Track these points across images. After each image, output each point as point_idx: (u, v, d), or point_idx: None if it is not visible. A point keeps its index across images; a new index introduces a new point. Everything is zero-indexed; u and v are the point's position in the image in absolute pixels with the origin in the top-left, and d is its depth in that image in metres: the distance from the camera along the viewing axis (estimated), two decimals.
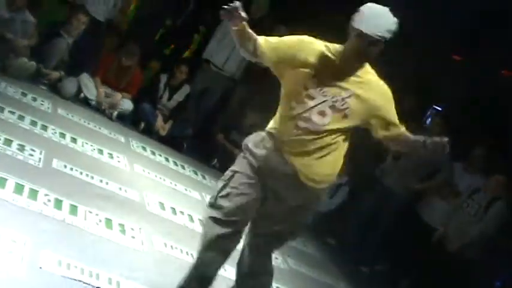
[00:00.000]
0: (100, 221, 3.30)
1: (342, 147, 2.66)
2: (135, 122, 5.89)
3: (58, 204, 3.20)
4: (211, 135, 6.28)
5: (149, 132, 5.84)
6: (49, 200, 3.19)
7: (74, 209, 3.24)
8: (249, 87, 6.50)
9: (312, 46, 2.63)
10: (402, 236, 5.49)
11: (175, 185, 4.77)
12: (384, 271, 5.72)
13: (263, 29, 6.38)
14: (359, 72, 2.58)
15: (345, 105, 2.55)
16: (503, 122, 6.23)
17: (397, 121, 2.64)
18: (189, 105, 6.23)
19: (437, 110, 6.91)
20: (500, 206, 5.02)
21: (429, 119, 6.63)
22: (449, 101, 6.77)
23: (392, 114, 2.63)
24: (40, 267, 2.51)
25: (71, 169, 3.83)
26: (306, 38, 2.67)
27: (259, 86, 6.43)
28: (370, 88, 2.59)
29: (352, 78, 2.57)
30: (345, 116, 2.56)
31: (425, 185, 5.58)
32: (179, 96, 6.09)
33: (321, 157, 2.59)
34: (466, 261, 5.09)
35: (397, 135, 2.64)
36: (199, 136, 6.36)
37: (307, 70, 2.59)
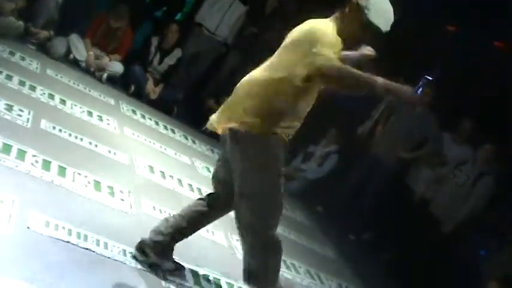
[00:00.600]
0: (89, 183, 3.29)
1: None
2: (126, 85, 5.82)
3: (46, 165, 3.18)
4: (202, 100, 6.25)
5: (139, 96, 5.79)
6: (37, 161, 3.16)
7: (62, 171, 3.22)
8: (241, 53, 6.44)
9: None
10: (390, 205, 5.55)
11: (165, 149, 4.75)
12: (370, 239, 5.80)
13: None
14: None
15: None
16: (494, 94, 6.23)
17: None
18: (180, 69, 6.16)
19: (428, 79, 6.88)
20: (488, 181, 5.07)
21: (420, 89, 6.60)
22: (441, 71, 6.75)
23: None
24: (28, 227, 2.51)
25: (60, 130, 3.80)
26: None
27: (251, 52, 6.37)
28: None
29: None
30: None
31: (414, 154, 5.61)
32: (170, 60, 6.01)
33: None
34: (452, 231, 5.17)
35: None
36: (190, 100, 6.32)
37: None
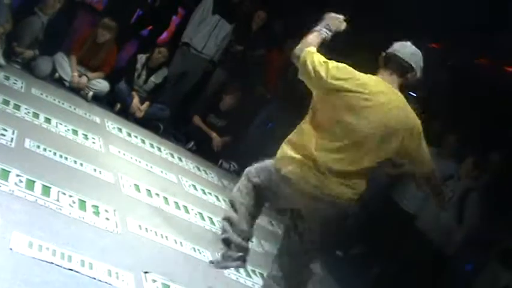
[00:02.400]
0: (74, 202, 3.25)
1: None
2: (111, 103, 5.81)
3: (30, 184, 3.15)
4: (189, 118, 6.25)
5: (125, 114, 5.77)
6: (21, 181, 3.13)
7: (46, 190, 3.19)
8: (227, 71, 6.47)
9: None
10: (378, 221, 5.56)
11: (151, 167, 4.73)
12: (358, 255, 5.79)
13: (241, 12, 6.42)
14: None
15: None
16: (478, 110, 6.32)
17: None
18: (167, 87, 6.17)
19: (413, 95, 6.98)
20: (475, 198, 5.11)
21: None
22: (425, 88, 6.84)
23: None
24: (11, 249, 2.47)
25: (44, 149, 3.77)
26: None
27: (237, 70, 6.42)
28: None
29: None
30: None
31: (400, 169, 5.63)
32: (156, 79, 6.01)
33: None
34: (439, 246, 5.18)
35: None
36: (177, 118, 6.32)
37: None
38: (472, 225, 5.12)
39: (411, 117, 2.80)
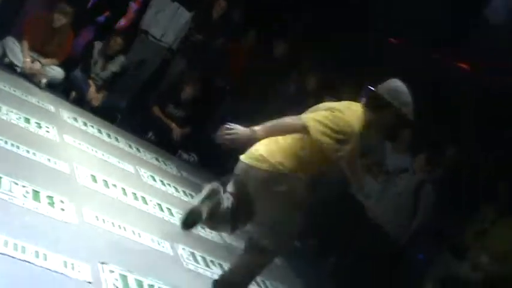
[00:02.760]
0: (27, 192, 3.14)
1: None
2: (66, 91, 5.65)
3: None
4: (147, 108, 6.15)
5: (81, 102, 5.62)
6: None
7: None
8: (187, 60, 6.40)
9: None
10: (334, 213, 5.64)
11: (108, 157, 4.63)
12: (315, 245, 5.87)
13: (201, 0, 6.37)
14: None
15: None
16: (431, 104, 6.48)
17: None
18: (124, 76, 6.05)
19: (371, 89, 7.08)
20: (429, 189, 5.24)
21: (363, 98, 6.79)
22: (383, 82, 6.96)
23: None
24: None
25: None
26: None
27: (197, 59, 6.36)
28: None
29: None
30: None
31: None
32: (114, 67, 5.89)
33: None
34: (393, 237, 5.31)
35: None
36: (135, 108, 6.21)
37: None
38: (425, 216, 5.27)
39: None
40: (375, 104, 2.93)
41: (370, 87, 2.97)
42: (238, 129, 2.72)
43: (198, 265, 3.62)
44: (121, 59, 5.90)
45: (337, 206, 5.66)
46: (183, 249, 3.69)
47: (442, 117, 6.26)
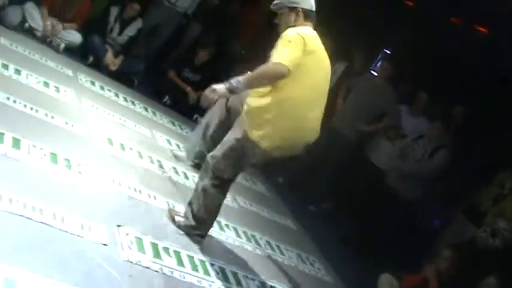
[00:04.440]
0: (44, 155, 3.22)
1: None
2: (84, 55, 5.68)
3: (0, 137, 3.10)
4: (163, 72, 6.16)
5: (98, 67, 5.66)
6: None
7: (16, 143, 3.14)
8: (202, 25, 6.36)
9: None
10: (349, 177, 5.66)
11: (125, 121, 4.69)
12: (330, 209, 5.92)
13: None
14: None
15: None
16: (449, 68, 6.37)
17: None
18: (141, 40, 6.04)
19: (387, 53, 6.99)
20: (444, 154, 5.21)
21: (379, 62, 6.72)
22: (398, 45, 6.85)
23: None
24: None
25: (14, 101, 3.69)
26: None
27: (212, 25, 6.31)
28: None
29: None
30: None
31: (372, 126, 5.71)
32: (130, 31, 5.88)
33: None
34: (408, 202, 5.32)
35: None
36: (151, 72, 6.23)
37: None
38: (440, 180, 5.26)
39: None
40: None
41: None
42: (217, 90, 3.07)
43: (213, 229, 3.69)
44: (138, 23, 5.88)
45: (354, 170, 5.67)
46: None
47: (455, 82, 6.16)
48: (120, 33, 5.85)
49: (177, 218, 3.35)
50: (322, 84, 3.20)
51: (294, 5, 3.19)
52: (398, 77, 5.80)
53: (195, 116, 6.01)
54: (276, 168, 5.95)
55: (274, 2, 3.25)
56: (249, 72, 3.04)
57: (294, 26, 3.16)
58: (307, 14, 3.21)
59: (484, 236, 4.63)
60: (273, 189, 5.56)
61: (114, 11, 5.81)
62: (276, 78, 2.97)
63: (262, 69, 3.00)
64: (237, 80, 3.02)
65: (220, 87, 3.06)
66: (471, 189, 5.37)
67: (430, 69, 6.43)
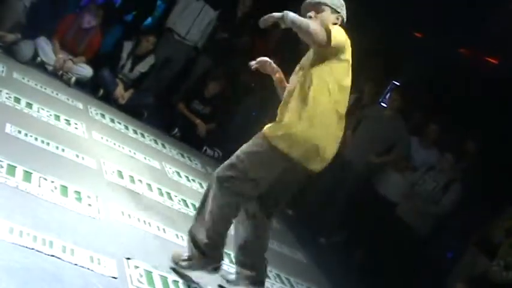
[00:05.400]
0: (55, 188, 3.23)
1: None
2: (95, 89, 5.75)
3: (11, 170, 3.11)
4: (172, 104, 6.22)
5: (109, 100, 5.72)
6: (2, 166, 3.09)
7: (27, 176, 3.16)
8: (212, 57, 6.44)
9: None
10: (359, 208, 5.61)
11: (135, 153, 4.71)
12: (340, 242, 5.85)
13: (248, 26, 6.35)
14: None
15: None
16: (459, 99, 6.37)
17: None
18: (151, 74, 6.12)
19: (396, 84, 7.02)
20: (458, 189, 5.18)
21: (388, 94, 6.75)
22: (408, 77, 6.89)
23: None
24: None
25: (26, 135, 3.72)
26: None
27: (222, 57, 6.39)
28: None
29: None
30: None
31: (382, 158, 5.70)
32: (142, 67, 5.94)
33: None
34: (419, 235, 5.26)
35: None
36: (160, 105, 6.29)
37: None
38: (452, 213, 5.21)
39: None
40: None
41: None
42: (273, 14, 2.78)
43: (223, 261, 3.65)
44: (150, 59, 5.96)
45: (365, 202, 5.63)
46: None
47: (467, 111, 6.16)
48: (132, 69, 5.92)
49: (183, 264, 3.09)
50: (345, 102, 2.96)
51: (338, 10, 2.99)
52: (408, 109, 5.82)
53: (205, 148, 6.04)
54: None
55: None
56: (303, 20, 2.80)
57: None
58: (342, 24, 2.99)
59: (498, 269, 4.54)
60: (282, 222, 5.51)
61: (127, 46, 5.89)
62: (316, 41, 2.75)
63: (313, 26, 2.73)
64: (293, 15, 2.75)
65: (277, 14, 2.78)
66: (483, 221, 5.29)
67: (441, 101, 6.44)
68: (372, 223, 5.46)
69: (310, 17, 2.92)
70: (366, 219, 5.50)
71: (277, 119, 2.97)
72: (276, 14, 2.77)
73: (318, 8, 2.97)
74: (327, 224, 5.84)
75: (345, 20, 3.02)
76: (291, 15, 2.75)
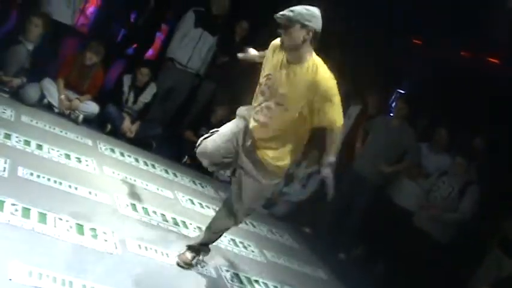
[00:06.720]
0: (71, 227, 3.24)
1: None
2: (102, 125, 5.80)
3: (26, 213, 3.14)
4: (180, 133, 6.24)
5: (116, 134, 5.76)
6: (16, 210, 3.12)
7: (42, 217, 3.18)
8: (215, 83, 6.48)
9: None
10: (376, 220, 5.57)
11: (147, 185, 4.72)
12: (361, 256, 5.80)
13: (224, 24, 6.43)
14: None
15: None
16: (464, 102, 6.35)
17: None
18: (156, 104, 6.17)
19: (401, 93, 7.02)
20: (475, 191, 5.13)
21: (394, 102, 6.74)
22: (411, 84, 6.88)
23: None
24: (10, 279, 2.46)
25: (38, 176, 3.76)
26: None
27: (225, 81, 6.43)
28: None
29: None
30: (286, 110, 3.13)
31: (394, 167, 5.66)
32: (145, 98, 5.99)
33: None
34: (438, 241, 5.20)
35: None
36: (168, 134, 6.32)
37: None
38: (467, 216, 5.16)
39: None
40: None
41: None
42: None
43: (241, 285, 3.64)
44: (152, 89, 6.01)
45: (382, 213, 5.59)
46: (227, 271, 3.72)
47: (474, 114, 6.13)
48: (135, 101, 5.98)
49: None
50: None
51: (307, 23, 2.99)
52: (415, 116, 5.81)
53: (215, 174, 6.03)
54: (302, 218, 5.90)
55: (282, 13, 3.02)
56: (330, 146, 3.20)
57: (301, 46, 3.03)
58: (315, 36, 3.04)
59: None
60: (300, 240, 5.49)
61: (127, 80, 5.95)
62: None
63: (339, 139, 3.21)
64: (332, 159, 3.18)
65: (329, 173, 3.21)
66: (504, 221, 5.22)
67: (447, 105, 6.43)
68: (391, 234, 5.41)
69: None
70: (384, 231, 5.45)
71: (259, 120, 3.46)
72: (330, 183, 3.23)
73: (287, 25, 3.03)
74: (345, 238, 5.80)
75: (319, 29, 3.05)
76: (331, 162, 3.20)
